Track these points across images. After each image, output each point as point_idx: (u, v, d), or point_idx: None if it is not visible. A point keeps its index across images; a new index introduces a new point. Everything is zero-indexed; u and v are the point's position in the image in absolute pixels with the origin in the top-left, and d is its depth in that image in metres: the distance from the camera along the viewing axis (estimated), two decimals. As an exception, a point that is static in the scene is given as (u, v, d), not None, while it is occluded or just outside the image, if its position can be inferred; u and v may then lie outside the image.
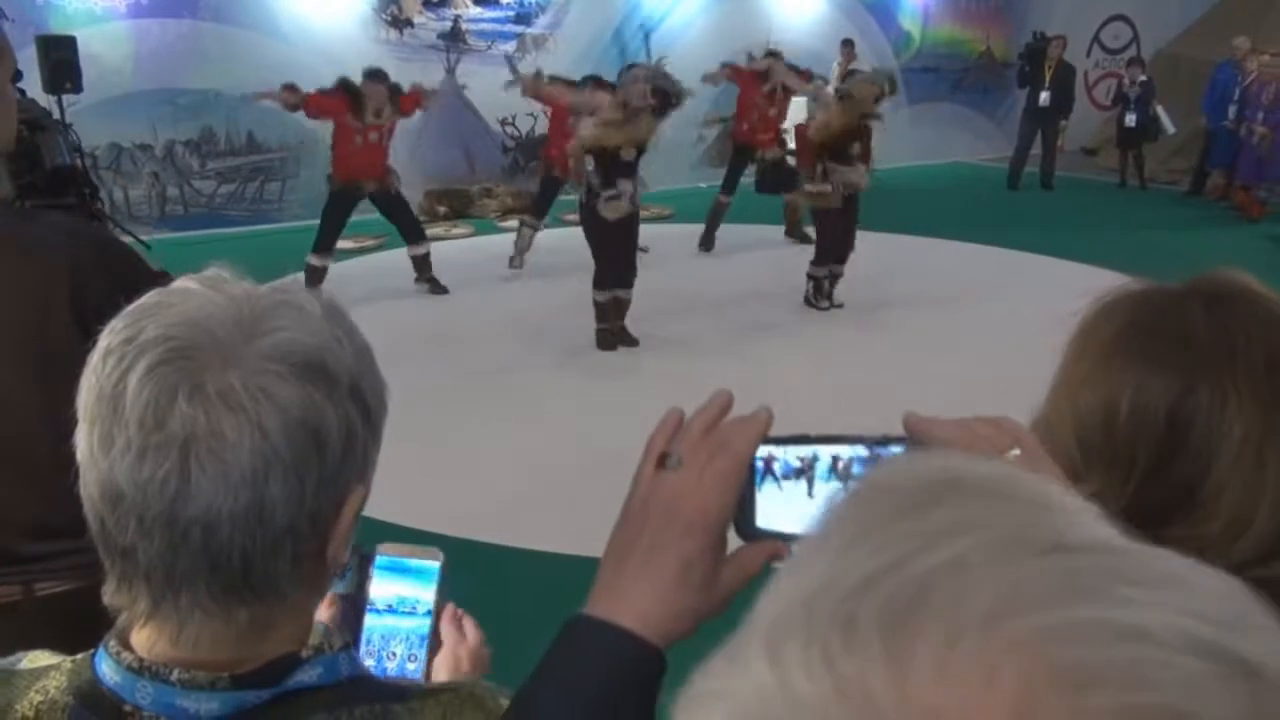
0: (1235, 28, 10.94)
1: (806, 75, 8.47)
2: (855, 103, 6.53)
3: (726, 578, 0.67)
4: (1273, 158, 10.00)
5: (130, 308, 0.69)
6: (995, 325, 6.38)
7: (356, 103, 6.82)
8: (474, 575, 3.65)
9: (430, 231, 8.19)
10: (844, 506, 0.34)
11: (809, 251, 7.09)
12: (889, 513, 0.32)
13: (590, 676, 0.64)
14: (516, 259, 7.77)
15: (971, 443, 0.65)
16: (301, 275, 6.56)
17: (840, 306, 6.91)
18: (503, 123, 10.78)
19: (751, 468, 0.66)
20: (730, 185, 8.65)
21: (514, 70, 7.59)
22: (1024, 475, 0.34)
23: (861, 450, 0.65)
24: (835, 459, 0.65)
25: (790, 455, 0.66)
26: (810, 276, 6.90)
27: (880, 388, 4.94)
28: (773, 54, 8.81)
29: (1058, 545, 0.30)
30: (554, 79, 7.35)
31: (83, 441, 0.68)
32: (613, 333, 6.20)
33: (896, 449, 0.65)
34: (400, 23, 10.13)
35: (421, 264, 7.37)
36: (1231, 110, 10.44)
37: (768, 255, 8.52)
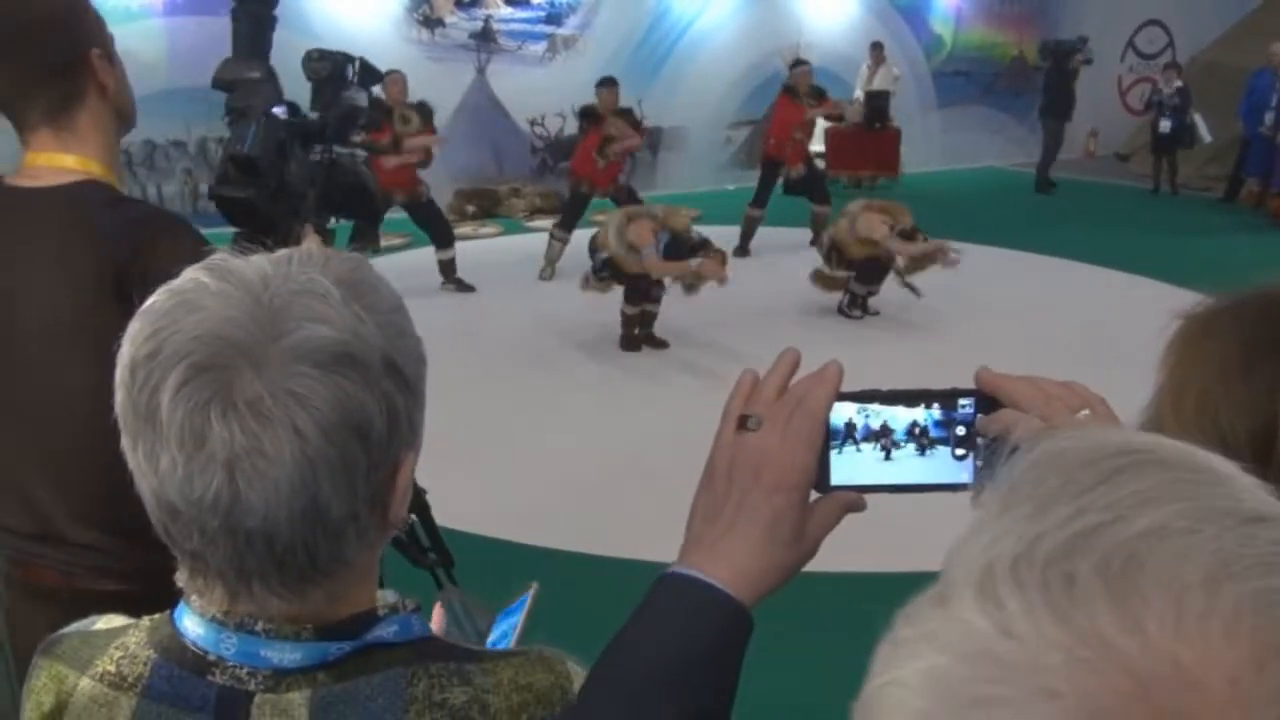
0: (1272, 34, 10.77)
1: (827, 104, 8.63)
2: (873, 241, 6.47)
3: (811, 531, 0.69)
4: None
5: (147, 308, 0.68)
6: (1031, 332, 6.32)
7: (389, 117, 7.00)
8: (497, 574, 3.65)
9: (458, 231, 8.25)
10: (1027, 473, 0.37)
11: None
12: (1076, 481, 0.35)
13: (681, 633, 0.66)
14: (547, 269, 7.81)
15: (1045, 401, 0.67)
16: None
17: (876, 314, 6.88)
18: (531, 123, 10.82)
19: (827, 423, 0.69)
20: (761, 199, 8.68)
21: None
22: (1197, 450, 0.37)
23: (937, 413, 0.69)
24: (913, 423, 0.69)
25: (870, 419, 0.69)
26: (848, 290, 6.90)
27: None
28: (801, 62, 8.80)
29: (1252, 516, 0.33)
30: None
31: (129, 454, 0.68)
32: (639, 338, 6.22)
33: (966, 403, 0.69)
34: (432, 22, 10.19)
35: (447, 268, 7.47)
36: (1269, 117, 10.28)
37: (800, 260, 8.46)
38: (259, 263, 0.69)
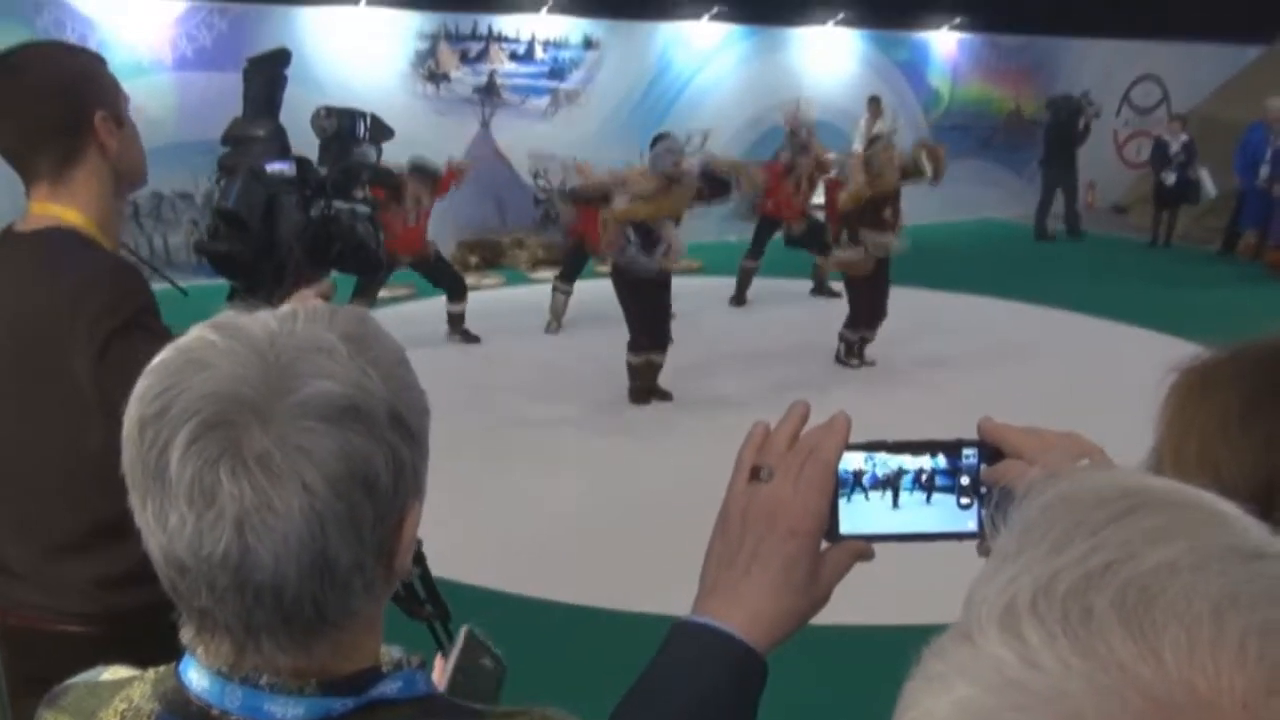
0: (1265, 89, 10.93)
1: (826, 165, 8.51)
2: (883, 176, 6.57)
3: (824, 578, 0.71)
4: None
5: (155, 366, 0.69)
6: (1030, 383, 6.33)
7: (396, 193, 7.07)
8: (499, 626, 3.61)
9: (460, 281, 8.32)
10: (1041, 514, 0.39)
11: (839, 307, 7.09)
12: (1089, 521, 0.37)
13: (697, 680, 0.67)
14: (553, 323, 7.84)
15: (1045, 450, 0.69)
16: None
17: (872, 364, 6.88)
18: (535, 175, 10.94)
19: (836, 474, 0.71)
20: (757, 251, 8.72)
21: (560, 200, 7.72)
22: (1201, 491, 0.39)
23: (941, 461, 0.71)
24: (919, 471, 0.71)
25: (878, 468, 0.71)
26: (842, 338, 6.90)
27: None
28: (794, 135, 8.75)
29: (1254, 552, 0.36)
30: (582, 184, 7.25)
31: (137, 511, 0.69)
32: (647, 390, 6.21)
33: (970, 453, 0.71)
34: (437, 77, 10.35)
35: (457, 320, 7.53)
36: (1264, 171, 10.39)
37: (798, 311, 8.53)
38: (265, 319, 0.70)
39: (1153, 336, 7.37)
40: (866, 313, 6.77)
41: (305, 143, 1.94)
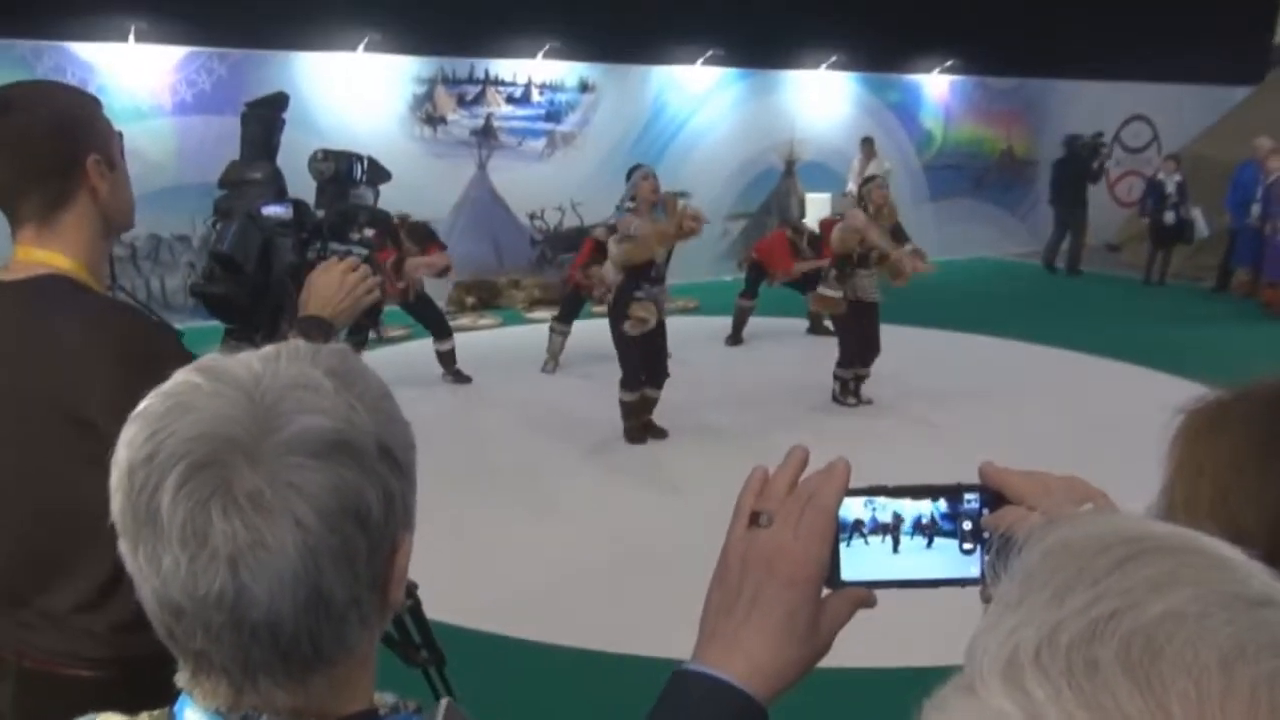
0: (1255, 128, 11.06)
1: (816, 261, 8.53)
2: (875, 225, 6.63)
3: (825, 626, 0.70)
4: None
5: (141, 412, 0.69)
6: (1029, 422, 6.32)
7: (396, 245, 7.28)
8: (494, 670, 3.57)
9: (458, 322, 8.32)
10: (1042, 562, 0.39)
11: (834, 345, 7.09)
12: (1091, 568, 0.37)
13: None
14: (550, 362, 7.86)
15: (1046, 494, 0.68)
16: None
17: (869, 403, 6.87)
18: (531, 216, 11.01)
19: (837, 520, 0.70)
20: (751, 291, 8.77)
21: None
22: (1201, 536, 0.39)
23: (943, 505, 0.70)
24: (919, 517, 0.70)
25: (878, 513, 0.70)
26: (836, 377, 6.91)
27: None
28: (797, 231, 8.90)
29: (1259, 599, 0.35)
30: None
31: (129, 558, 0.69)
32: (642, 427, 6.19)
33: (971, 497, 0.70)
34: (434, 120, 10.45)
35: (447, 359, 7.54)
36: (1255, 209, 10.49)
37: (794, 349, 8.54)
38: (249, 360, 0.71)
39: (1151, 375, 7.38)
40: (856, 350, 6.76)
41: (303, 186, 1.94)
